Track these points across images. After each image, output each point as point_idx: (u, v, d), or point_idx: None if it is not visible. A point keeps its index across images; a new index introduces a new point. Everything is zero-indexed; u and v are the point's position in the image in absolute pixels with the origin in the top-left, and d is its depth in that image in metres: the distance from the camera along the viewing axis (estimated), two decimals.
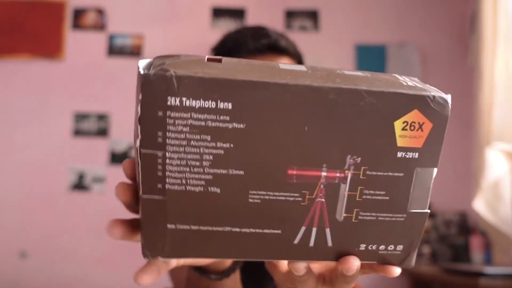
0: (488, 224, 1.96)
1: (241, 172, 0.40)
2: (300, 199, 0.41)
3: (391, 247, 0.45)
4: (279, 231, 0.42)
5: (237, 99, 0.38)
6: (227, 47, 0.98)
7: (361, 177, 0.41)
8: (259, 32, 0.99)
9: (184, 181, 0.39)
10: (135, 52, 2.72)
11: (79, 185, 2.58)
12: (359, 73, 0.42)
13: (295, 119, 0.39)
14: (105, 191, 2.58)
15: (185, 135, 0.38)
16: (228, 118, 0.38)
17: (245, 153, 0.39)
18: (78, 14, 2.75)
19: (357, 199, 0.42)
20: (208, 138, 0.38)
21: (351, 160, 0.41)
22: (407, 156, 0.41)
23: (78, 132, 2.64)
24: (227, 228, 0.41)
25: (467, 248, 2.55)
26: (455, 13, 2.80)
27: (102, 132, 2.64)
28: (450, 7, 2.81)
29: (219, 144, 0.38)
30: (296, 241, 0.43)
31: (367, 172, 0.41)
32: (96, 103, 2.67)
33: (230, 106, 0.38)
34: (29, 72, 2.68)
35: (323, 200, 0.42)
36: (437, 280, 2.16)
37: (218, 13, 2.78)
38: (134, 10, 2.78)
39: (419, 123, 0.40)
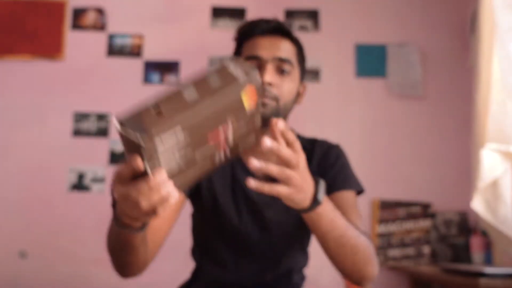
0: (488, 224, 1.95)
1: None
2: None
3: None
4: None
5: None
6: (242, 30, 1.24)
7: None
8: (268, 20, 1.23)
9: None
10: (135, 52, 2.72)
11: (79, 185, 2.58)
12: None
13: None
14: (105, 191, 2.58)
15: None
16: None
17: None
18: (78, 14, 2.75)
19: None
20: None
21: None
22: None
23: (78, 132, 2.63)
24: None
25: (467, 248, 2.54)
26: (455, 14, 2.79)
27: (102, 132, 2.63)
28: (450, 7, 2.80)
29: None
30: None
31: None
32: (96, 103, 2.66)
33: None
34: (29, 72, 2.68)
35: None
36: (437, 280, 2.15)
37: (218, 13, 2.78)
38: (134, 10, 2.78)
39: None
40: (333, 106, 2.69)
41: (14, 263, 2.48)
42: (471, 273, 1.68)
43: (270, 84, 1.14)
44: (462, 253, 2.55)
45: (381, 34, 2.76)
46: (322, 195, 0.93)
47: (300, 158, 0.85)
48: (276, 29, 1.20)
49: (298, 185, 0.86)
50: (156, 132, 0.70)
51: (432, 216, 2.59)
